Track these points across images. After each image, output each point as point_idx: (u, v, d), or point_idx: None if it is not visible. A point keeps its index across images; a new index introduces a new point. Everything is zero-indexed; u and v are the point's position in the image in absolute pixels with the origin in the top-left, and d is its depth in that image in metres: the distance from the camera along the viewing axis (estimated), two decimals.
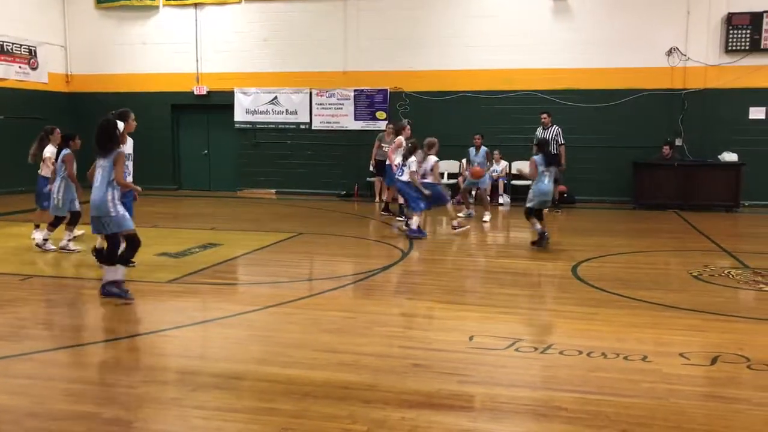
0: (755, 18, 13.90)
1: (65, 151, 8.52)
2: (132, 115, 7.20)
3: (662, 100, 14.55)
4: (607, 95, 14.72)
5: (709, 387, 4.30)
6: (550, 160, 9.27)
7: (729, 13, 14.06)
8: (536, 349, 4.91)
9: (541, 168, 9.06)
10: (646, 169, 13.97)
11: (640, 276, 7.58)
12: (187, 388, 4.18)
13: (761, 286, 7.09)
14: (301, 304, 6.25)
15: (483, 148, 12.83)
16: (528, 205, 9.21)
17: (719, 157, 13.98)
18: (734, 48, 14.09)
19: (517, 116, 15.06)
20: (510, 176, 15.11)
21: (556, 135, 13.31)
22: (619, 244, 9.66)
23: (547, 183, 9.09)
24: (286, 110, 16.76)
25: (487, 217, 11.90)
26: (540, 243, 9.03)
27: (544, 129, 13.50)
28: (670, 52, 14.42)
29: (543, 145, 9.55)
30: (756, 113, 14.27)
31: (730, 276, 7.56)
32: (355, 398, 4.00)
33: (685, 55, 14.40)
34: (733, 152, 13.92)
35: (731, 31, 14.06)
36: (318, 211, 13.58)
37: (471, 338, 5.14)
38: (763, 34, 13.90)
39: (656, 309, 6.15)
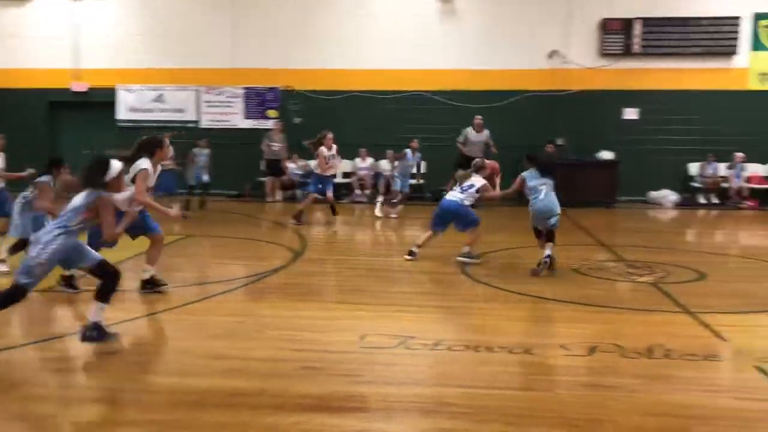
0: (627, 24, 14.75)
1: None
2: None
3: (545, 100, 15.17)
4: (492, 96, 15.17)
5: (588, 376, 4.51)
6: (545, 171, 7.84)
7: (604, 19, 14.85)
8: (426, 346, 4.99)
9: (532, 183, 7.71)
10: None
11: (524, 271, 7.86)
12: (61, 403, 3.95)
13: (634, 277, 7.53)
14: (187, 309, 6.05)
15: (417, 154, 13.60)
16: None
17: (597, 155, 14.74)
18: (608, 52, 14.90)
19: (409, 116, 15.28)
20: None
21: (488, 138, 13.76)
22: (503, 240, 9.97)
23: (542, 198, 7.62)
24: (173, 108, 16.22)
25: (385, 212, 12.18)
26: (535, 270, 7.50)
27: (476, 132, 13.89)
28: (551, 55, 15.06)
29: (534, 159, 8.22)
30: (629, 114, 15.15)
31: (607, 269, 7.98)
32: (245, 405, 3.91)
33: (565, 58, 15.07)
34: (610, 151, 14.73)
35: (606, 36, 14.86)
36: (208, 212, 13.22)
37: (363, 338, 5.15)
38: (634, 40, 14.78)
39: (539, 302, 6.41)
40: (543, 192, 7.61)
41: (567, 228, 11.41)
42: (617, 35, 14.83)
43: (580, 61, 15.04)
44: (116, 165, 4.95)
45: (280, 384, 4.25)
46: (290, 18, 15.60)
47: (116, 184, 4.97)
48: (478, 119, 13.97)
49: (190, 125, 16.13)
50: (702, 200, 14.84)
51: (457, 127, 14.56)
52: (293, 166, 15.20)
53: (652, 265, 8.15)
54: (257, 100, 16.05)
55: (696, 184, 14.95)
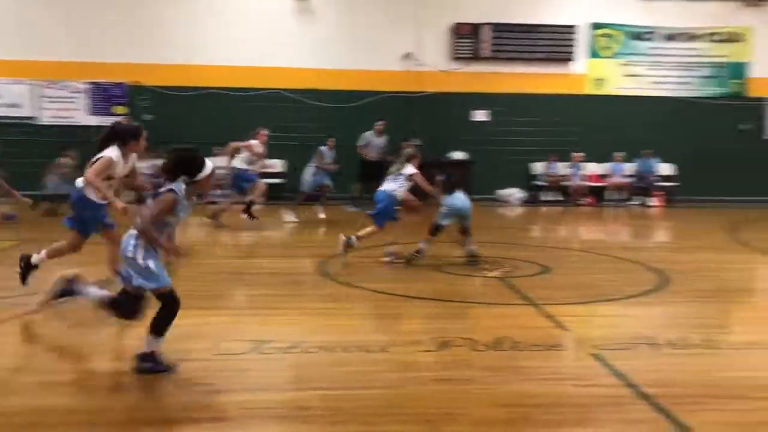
0: (477, 29, 15.38)
1: None
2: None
3: (401, 101, 15.48)
4: (350, 96, 15.28)
5: (442, 371, 4.62)
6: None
7: (455, 23, 15.39)
8: (281, 349, 4.91)
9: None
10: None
11: (383, 269, 7.97)
12: None
13: (484, 272, 7.85)
14: (11, 325, 5.57)
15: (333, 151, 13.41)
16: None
17: (449, 155, 15.26)
18: (460, 55, 15.46)
19: (264, 114, 15.03)
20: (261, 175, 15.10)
21: (386, 142, 13.95)
22: (369, 240, 10.04)
23: (462, 197, 8.28)
24: (7, 103, 14.96)
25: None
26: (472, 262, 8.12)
27: (378, 136, 14.07)
28: (405, 57, 15.40)
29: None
30: (480, 116, 15.82)
31: (460, 265, 8.26)
32: (86, 423, 3.66)
33: (418, 60, 15.47)
34: (462, 151, 15.29)
35: (457, 40, 15.41)
36: (43, 213, 12.29)
37: (217, 345, 4.99)
38: (483, 44, 15.44)
39: (395, 300, 6.51)
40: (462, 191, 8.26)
41: (423, 226, 11.71)
42: (468, 39, 15.42)
43: (432, 64, 15.49)
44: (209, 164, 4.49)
45: (129, 398, 4.01)
46: (135, 10, 14.86)
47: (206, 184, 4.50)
48: (380, 125, 14.14)
49: (28, 122, 14.94)
50: (545, 198, 15.77)
51: (317, 126, 14.54)
52: (143, 165, 14.47)
53: (501, 260, 8.54)
54: (103, 96, 15.16)
55: (540, 183, 15.86)
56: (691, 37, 16.04)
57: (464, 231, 8.36)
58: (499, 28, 15.44)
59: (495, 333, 5.38)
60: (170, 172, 4.34)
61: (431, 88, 15.54)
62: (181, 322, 5.69)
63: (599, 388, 4.35)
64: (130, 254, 4.22)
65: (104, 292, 4.75)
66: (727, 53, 16.12)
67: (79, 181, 5.93)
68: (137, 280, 4.26)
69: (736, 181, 15.72)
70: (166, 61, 14.95)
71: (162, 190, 4.31)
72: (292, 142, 14.76)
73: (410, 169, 8.40)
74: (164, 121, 13.50)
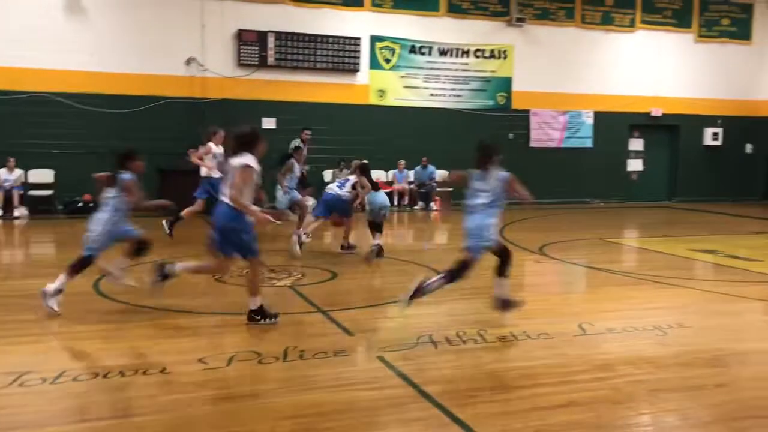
0: (261, 36, 15.27)
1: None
2: None
3: (186, 108, 14.91)
4: (130, 101, 14.42)
5: (227, 389, 4.46)
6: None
7: (239, 30, 15.16)
8: (46, 380, 4.44)
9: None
10: (174, 177, 14.10)
11: (168, 285, 7.55)
12: None
13: (275, 281, 7.77)
14: None
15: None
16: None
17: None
18: (246, 62, 15.25)
19: (29, 120, 13.71)
20: (26, 186, 13.74)
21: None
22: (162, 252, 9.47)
23: (380, 194, 9.60)
24: None
25: None
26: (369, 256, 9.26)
27: (305, 145, 13.20)
28: (188, 62, 14.88)
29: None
30: (268, 123, 15.70)
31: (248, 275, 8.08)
32: None
33: (203, 66, 15.01)
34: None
35: (242, 47, 15.19)
36: None
37: None
38: (269, 52, 15.37)
39: (180, 317, 6.21)
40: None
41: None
42: (253, 47, 15.26)
43: (218, 70, 15.13)
44: None
45: None
46: None
47: None
48: (307, 134, 13.55)
49: None
50: None
51: (90, 133, 13.53)
52: None
53: (290, 267, 8.51)
54: None
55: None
56: (462, 52, 17.26)
57: (377, 226, 9.52)
58: (284, 37, 15.47)
59: (282, 343, 5.32)
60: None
61: (217, 94, 15.16)
62: None
63: (384, 390, 4.46)
64: None
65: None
66: (493, 68, 17.58)
67: None
68: None
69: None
70: None
71: None
72: (61, 150, 13.61)
73: (354, 177, 9.64)
74: None
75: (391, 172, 16.60)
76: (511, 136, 17.60)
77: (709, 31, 19.43)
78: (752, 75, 19.93)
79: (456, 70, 17.25)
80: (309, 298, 6.95)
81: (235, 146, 5.89)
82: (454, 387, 4.51)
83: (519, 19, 17.38)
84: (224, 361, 4.90)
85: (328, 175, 16.29)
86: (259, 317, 5.86)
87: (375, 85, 16.57)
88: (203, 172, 10.97)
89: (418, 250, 10.77)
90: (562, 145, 18.34)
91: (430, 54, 16.97)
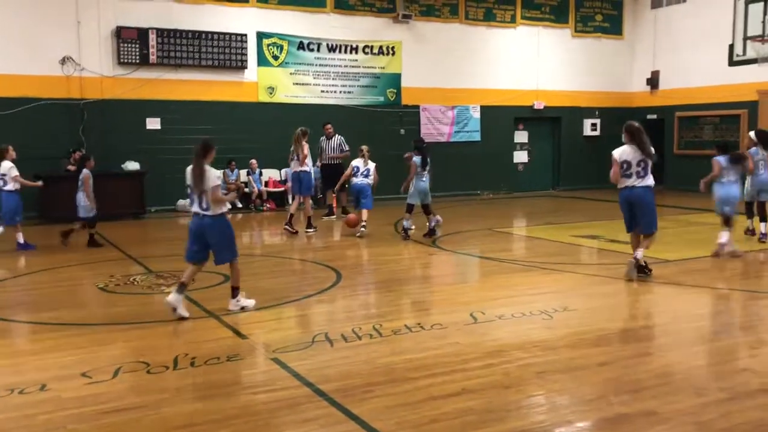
0: (142, 33, 14.68)
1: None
2: None
3: (62, 109, 14.12)
4: (0, 104, 13.52)
5: (112, 402, 4.25)
6: None
7: (118, 27, 14.51)
8: None
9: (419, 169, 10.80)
10: (52, 182, 13.34)
11: (44, 296, 7.16)
12: None
13: (163, 288, 7.50)
14: None
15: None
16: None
17: (123, 166, 14.37)
18: (126, 61, 14.62)
19: None
20: None
21: (340, 143, 14.17)
22: (41, 261, 8.95)
23: (424, 180, 10.84)
24: None
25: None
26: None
27: (327, 139, 14.07)
28: (63, 61, 14.10)
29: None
30: (152, 124, 15.14)
31: (135, 283, 7.78)
32: None
33: (80, 65, 14.28)
34: (135, 161, 14.49)
35: (122, 45, 14.55)
36: None
37: None
38: (151, 50, 14.81)
39: (61, 330, 5.87)
40: (424, 177, 10.81)
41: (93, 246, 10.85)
42: (133, 44, 14.64)
43: (96, 69, 14.42)
44: None
45: None
46: None
47: None
48: (328, 127, 14.12)
49: None
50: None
51: None
52: None
53: (180, 273, 8.22)
54: None
55: (222, 190, 15.69)
56: (350, 48, 17.29)
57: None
58: (166, 34, 14.94)
59: (173, 351, 5.15)
60: None
61: (97, 94, 14.45)
62: None
63: (280, 392, 4.40)
64: None
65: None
66: (382, 65, 17.72)
67: None
68: None
69: (400, 180, 17.26)
70: None
71: None
72: None
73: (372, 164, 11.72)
74: None
75: (284, 171, 16.40)
76: (402, 131, 17.82)
77: (585, 26, 20.40)
78: (625, 68, 21.10)
79: (346, 66, 17.25)
80: (200, 303, 6.75)
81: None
82: (350, 383, 4.51)
83: (405, 16, 17.59)
84: (110, 374, 4.68)
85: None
86: None
87: (264, 82, 16.31)
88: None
89: (312, 249, 10.71)
90: (452, 140, 18.73)
91: (318, 50, 16.88)
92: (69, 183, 12.35)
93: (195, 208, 6.28)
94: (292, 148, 12.14)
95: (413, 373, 4.69)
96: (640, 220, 7.66)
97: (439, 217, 11.20)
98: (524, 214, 15.58)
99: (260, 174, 16.02)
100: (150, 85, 14.95)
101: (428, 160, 10.91)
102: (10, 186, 10.07)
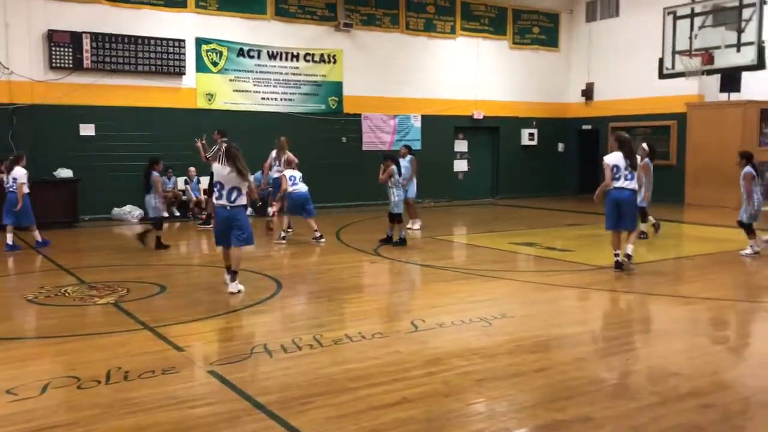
0: (75, 37, 14.26)
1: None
2: None
3: None
4: None
5: (39, 420, 4.08)
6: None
7: (50, 30, 14.05)
8: None
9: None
10: None
11: None
12: None
13: (96, 299, 7.26)
14: None
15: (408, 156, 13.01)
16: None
17: (55, 173, 13.90)
18: (59, 65, 14.17)
19: None
20: None
21: None
22: None
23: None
24: None
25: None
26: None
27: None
28: None
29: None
30: (86, 130, 14.69)
31: (67, 294, 7.51)
32: None
33: (8, 69, 13.77)
34: (68, 168, 14.04)
35: (54, 49, 14.09)
36: None
37: None
38: (85, 54, 14.39)
39: None
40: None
41: (24, 256, 10.46)
42: (66, 48, 14.20)
43: (26, 73, 13.92)
44: None
45: None
46: None
47: None
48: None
49: None
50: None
51: None
52: None
53: (114, 284, 8.00)
54: None
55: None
56: (291, 56, 17.19)
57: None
58: (100, 39, 14.54)
59: (105, 365, 4.99)
60: None
61: (28, 99, 13.96)
62: None
63: (217, 405, 4.31)
64: None
65: None
66: (324, 72, 17.67)
67: None
68: None
69: (342, 188, 17.34)
70: None
71: None
72: None
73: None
74: None
75: (253, 177, 16.12)
76: (344, 140, 17.81)
77: (522, 38, 20.83)
78: (561, 79, 21.63)
79: (287, 74, 17.13)
80: (134, 314, 6.56)
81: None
82: (289, 395, 4.45)
83: (346, 24, 17.60)
84: (37, 390, 4.49)
85: None
86: None
87: (203, 89, 16.04)
88: None
89: (252, 258, 10.55)
90: (393, 148, 18.82)
91: (259, 57, 16.72)
92: None
93: (222, 201, 7.41)
94: (274, 155, 12.30)
95: (354, 383, 4.66)
96: (625, 218, 8.57)
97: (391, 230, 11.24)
98: (464, 222, 15.77)
99: (198, 182, 15.72)
100: (84, 91, 14.53)
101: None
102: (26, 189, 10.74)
